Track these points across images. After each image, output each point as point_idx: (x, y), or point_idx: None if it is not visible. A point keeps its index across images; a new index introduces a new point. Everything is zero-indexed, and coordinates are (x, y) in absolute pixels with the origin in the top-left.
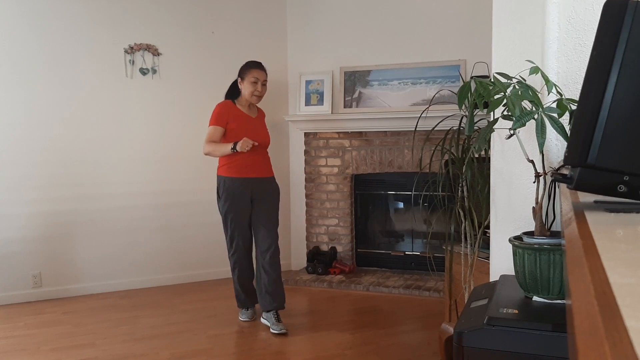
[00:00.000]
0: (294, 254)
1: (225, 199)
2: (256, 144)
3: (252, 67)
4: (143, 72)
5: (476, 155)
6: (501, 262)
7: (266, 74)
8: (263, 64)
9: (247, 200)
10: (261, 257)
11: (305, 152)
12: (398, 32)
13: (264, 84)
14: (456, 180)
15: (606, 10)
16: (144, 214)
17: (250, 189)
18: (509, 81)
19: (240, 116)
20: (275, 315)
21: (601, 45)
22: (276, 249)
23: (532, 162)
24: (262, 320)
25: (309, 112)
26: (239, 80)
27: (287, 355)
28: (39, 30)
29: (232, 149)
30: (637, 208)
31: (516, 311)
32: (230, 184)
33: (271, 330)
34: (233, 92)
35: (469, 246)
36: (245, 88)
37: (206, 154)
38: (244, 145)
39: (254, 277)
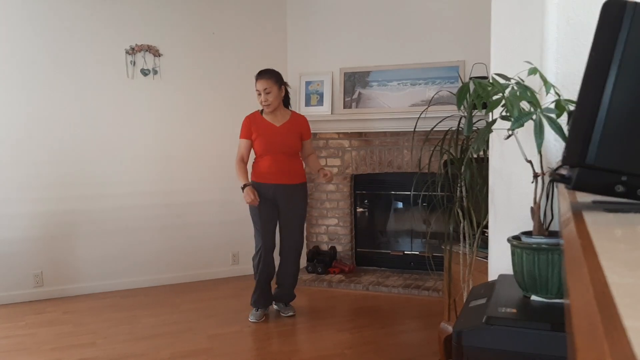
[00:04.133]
0: None
1: None
2: (255, 204)
3: (256, 79)
4: (144, 72)
5: (475, 156)
6: (500, 261)
7: (267, 80)
8: (265, 66)
9: (269, 205)
10: (283, 257)
11: None
12: (398, 33)
13: (267, 92)
14: (455, 180)
15: (605, 12)
16: (145, 214)
17: (272, 194)
18: (507, 82)
19: (262, 126)
20: (284, 302)
21: (600, 46)
22: (297, 251)
23: (530, 162)
24: (273, 305)
25: (308, 113)
26: None
27: (287, 355)
28: (41, 31)
29: (241, 187)
30: (636, 208)
31: (515, 310)
32: (256, 187)
33: (281, 313)
34: None
35: (467, 246)
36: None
37: None
38: (247, 200)
39: (272, 278)
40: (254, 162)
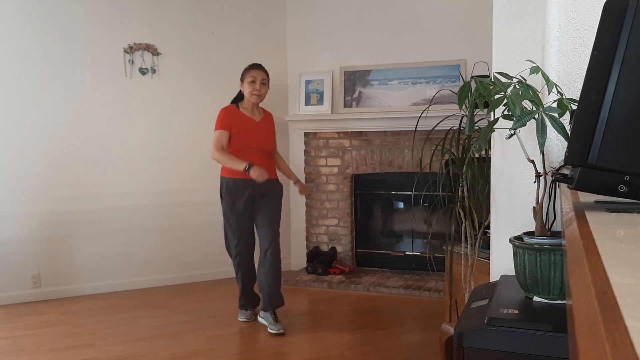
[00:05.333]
0: (293, 254)
1: (227, 200)
2: (266, 177)
3: (250, 68)
4: (142, 71)
5: (476, 155)
6: (501, 262)
7: (265, 74)
8: (263, 65)
9: (249, 202)
10: (262, 255)
11: (305, 152)
12: (398, 32)
13: (263, 83)
14: (456, 180)
15: (607, 10)
16: (144, 214)
17: (251, 190)
18: (509, 81)
19: (243, 121)
20: (273, 315)
21: (602, 45)
22: (276, 248)
23: (532, 162)
24: (259, 319)
25: (308, 112)
26: (240, 84)
27: (287, 356)
28: (39, 30)
29: (245, 169)
30: (638, 208)
31: (517, 311)
32: (232, 185)
33: (269, 329)
34: (238, 98)
35: (469, 246)
36: (245, 89)
37: (214, 160)
38: (259, 177)
39: (255, 279)
40: None
